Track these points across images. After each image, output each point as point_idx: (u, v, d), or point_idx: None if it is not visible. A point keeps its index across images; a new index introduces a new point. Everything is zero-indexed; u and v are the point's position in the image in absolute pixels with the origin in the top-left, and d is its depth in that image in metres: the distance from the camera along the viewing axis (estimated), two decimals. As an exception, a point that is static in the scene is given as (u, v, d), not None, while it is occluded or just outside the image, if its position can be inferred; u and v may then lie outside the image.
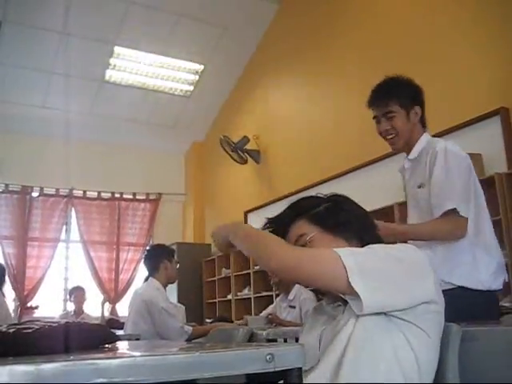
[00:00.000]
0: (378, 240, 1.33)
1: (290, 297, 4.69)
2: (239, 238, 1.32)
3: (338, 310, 1.28)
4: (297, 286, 4.69)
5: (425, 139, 2.22)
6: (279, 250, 1.19)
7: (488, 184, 3.81)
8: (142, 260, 4.12)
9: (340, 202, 1.40)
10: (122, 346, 0.98)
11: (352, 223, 1.33)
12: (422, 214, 2.15)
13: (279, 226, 1.40)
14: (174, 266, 3.98)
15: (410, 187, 2.28)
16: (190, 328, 3.73)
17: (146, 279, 3.98)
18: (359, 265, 1.10)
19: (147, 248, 4.30)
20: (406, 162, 2.28)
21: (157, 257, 3.94)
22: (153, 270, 3.92)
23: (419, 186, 2.16)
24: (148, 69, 7.40)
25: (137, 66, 7.32)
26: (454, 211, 1.98)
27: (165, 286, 3.91)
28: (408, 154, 2.26)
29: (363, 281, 1.08)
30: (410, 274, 1.14)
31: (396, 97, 2.16)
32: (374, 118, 2.22)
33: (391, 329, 1.12)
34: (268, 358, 0.73)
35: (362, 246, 1.27)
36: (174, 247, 7.46)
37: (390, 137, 2.19)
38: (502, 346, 1.24)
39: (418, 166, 2.20)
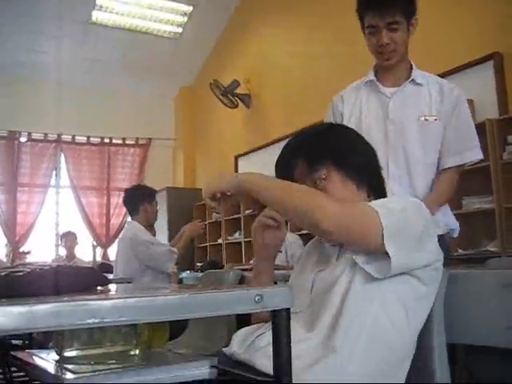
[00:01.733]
0: (384, 191, 1.33)
1: None
2: (262, 186, 1.18)
3: (333, 250, 1.29)
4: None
5: (417, 71, 2.02)
6: (329, 206, 1.10)
7: (479, 130, 3.80)
8: (122, 201, 4.07)
9: (354, 142, 1.34)
10: (114, 288, 1.00)
11: (365, 167, 1.30)
12: (426, 146, 1.93)
13: (291, 156, 1.32)
14: (153, 208, 3.96)
15: (401, 115, 1.96)
16: (174, 249, 3.78)
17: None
18: (394, 225, 1.09)
19: (126, 189, 4.17)
20: (403, 87, 1.98)
21: (136, 198, 3.92)
22: (132, 212, 3.93)
23: (425, 118, 1.92)
24: (135, 10, 7.20)
25: (124, 7, 7.12)
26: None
27: (146, 227, 3.90)
28: (387, 74, 2.01)
29: (395, 242, 1.08)
30: (428, 234, 1.16)
31: (403, 4, 1.88)
32: (369, 27, 1.90)
33: (385, 283, 1.13)
34: (257, 298, 0.75)
35: (369, 195, 1.28)
36: (165, 192, 7.50)
37: (390, 51, 1.91)
38: (485, 289, 1.27)
39: (419, 94, 1.96)
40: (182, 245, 3.85)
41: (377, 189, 1.31)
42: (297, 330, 1.14)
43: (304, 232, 5.00)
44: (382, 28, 1.87)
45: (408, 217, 1.14)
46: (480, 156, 1.98)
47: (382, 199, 1.23)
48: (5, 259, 7.26)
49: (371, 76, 2.05)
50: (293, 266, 1.50)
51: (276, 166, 1.37)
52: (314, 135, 1.34)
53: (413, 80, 1.97)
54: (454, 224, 2.00)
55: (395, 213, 1.12)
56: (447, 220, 1.98)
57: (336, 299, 1.15)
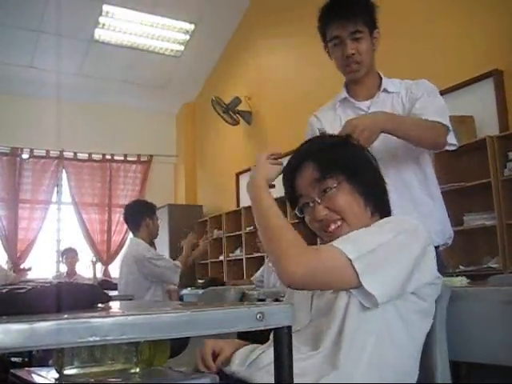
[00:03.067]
0: (388, 210, 1.33)
1: (271, 263, 4.75)
2: (252, 200, 1.28)
3: None
4: None
5: (387, 79, 1.98)
6: (291, 260, 1.09)
7: (479, 146, 3.83)
8: (123, 218, 4.04)
9: (367, 159, 1.34)
10: (115, 305, 0.99)
11: (373, 185, 1.30)
12: (398, 162, 1.88)
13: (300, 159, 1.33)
14: (155, 224, 3.92)
15: None
16: (178, 262, 3.78)
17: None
18: (370, 265, 1.08)
19: (126, 205, 4.11)
20: (376, 97, 1.94)
21: (137, 214, 3.88)
22: (134, 228, 3.90)
23: None
24: (138, 28, 7.26)
25: (126, 25, 7.18)
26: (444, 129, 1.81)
27: (149, 243, 3.89)
28: (358, 88, 1.97)
29: (375, 281, 1.08)
30: (425, 254, 1.16)
31: (364, 14, 1.86)
32: (333, 38, 1.87)
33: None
34: (258, 316, 0.74)
35: (374, 213, 1.28)
36: (166, 209, 7.50)
37: (356, 62, 1.87)
38: (488, 306, 1.26)
39: (393, 101, 1.93)
40: (183, 259, 3.85)
41: (381, 207, 1.31)
42: (299, 348, 1.14)
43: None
44: (346, 38, 1.84)
45: (391, 246, 1.13)
46: (450, 128, 1.82)
47: (377, 224, 1.22)
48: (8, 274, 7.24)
49: (344, 94, 2.01)
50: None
51: (286, 166, 1.37)
52: (331, 144, 1.34)
53: (384, 89, 1.95)
54: (449, 231, 1.93)
55: (373, 250, 1.10)
56: (444, 228, 1.91)
57: (337, 317, 1.14)
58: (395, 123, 1.69)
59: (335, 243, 1.11)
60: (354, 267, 1.07)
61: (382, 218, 1.28)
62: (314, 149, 1.33)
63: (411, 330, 1.14)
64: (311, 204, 1.28)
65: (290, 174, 1.33)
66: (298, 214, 1.34)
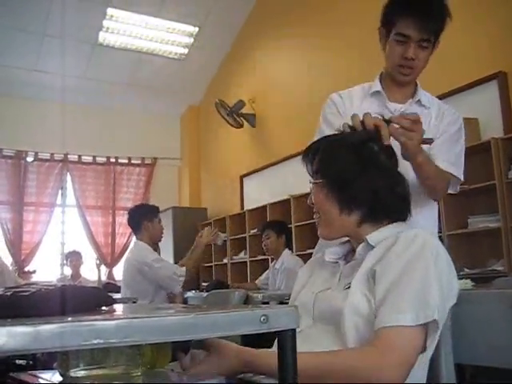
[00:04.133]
0: (389, 216, 1.27)
1: (277, 265, 4.76)
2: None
3: (336, 269, 1.29)
4: (284, 253, 4.75)
5: (421, 90, 1.92)
6: (380, 370, 1.01)
7: (484, 149, 3.82)
8: (127, 221, 4.05)
9: (368, 166, 1.25)
10: (119, 308, 0.99)
11: (365, 200, 1.24)
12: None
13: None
14: (156, 226, 3.91)
15: None
16: (183, 269, 3.73)
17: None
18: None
19: (129, 209, 4.14)
20: (409, 105, 1.86)
21: (137, 218, 3.89)
22: (136, 231, 3.91)
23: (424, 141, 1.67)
24: (142, 31, 7.28)
25: (131, 29, 7.20)
26: (455, 182, 1.80)
27: (152, 246, 3.88)
28: (393, 89, 1.88)
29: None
30: (450, 277, 1.14)
31: (441, 24, 1.74)
32: (400, 35, 1.73)
33: None
34: (262, 319, 0.74)
35: (361, 222, 1.25)
36: (170, 211, 7.50)
37: (412, 68, 1.78)
38: (492, 309, 1.26)
39: (422, 114, 1.72)
40: (191, 261, 3.81)
41: (380, 213, 1.26)
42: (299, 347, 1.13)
43: (303, 252, 5.00)
44: (414, 41, 1.72)
45: (431, 281, 1.08)
46: (462, 179, 1.82)
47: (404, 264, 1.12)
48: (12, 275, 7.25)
49: (378, 87, 1.91)
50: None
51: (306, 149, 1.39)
52: (340, 144, 1.31)
53: (418, 100, 1.87)
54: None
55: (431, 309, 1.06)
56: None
57: (341, 323, 1.13)
58: (426, 161, 1.55)
59: (391, 321, 1.05)
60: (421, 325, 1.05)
61: (378, 224, 1.25)
62: (324, 143, 1.34)
63: None
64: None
65: (310, 157, 1.36)
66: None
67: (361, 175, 1.24)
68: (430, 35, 1.73)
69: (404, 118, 1.42)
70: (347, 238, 1.35)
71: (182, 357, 1.11)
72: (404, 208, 1.28)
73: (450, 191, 1.83)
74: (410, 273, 1.09)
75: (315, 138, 1.90)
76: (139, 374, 0.85)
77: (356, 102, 1.91)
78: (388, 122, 1.38)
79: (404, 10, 1.72)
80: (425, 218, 1.76)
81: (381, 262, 1.14)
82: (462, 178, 1.80)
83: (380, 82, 1.92)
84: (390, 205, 1.26)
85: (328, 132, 1.83)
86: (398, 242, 1.16)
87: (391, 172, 1.29)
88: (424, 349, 1.08)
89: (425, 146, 1.60)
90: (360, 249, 1.25)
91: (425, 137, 1.48)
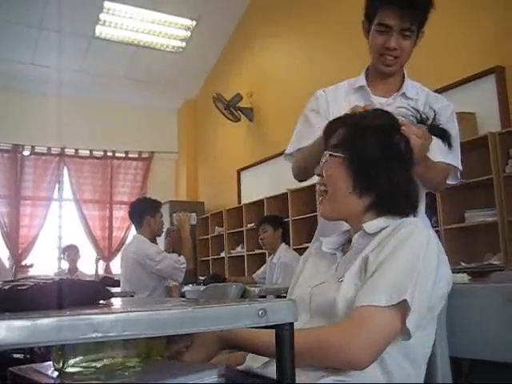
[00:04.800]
0: (395, 208, 1.25)
1: (274, 260, 4.77)
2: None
3: (332, 259, 1.29)
4: (281, 247, 4.76)
5: (408, 81, 1.89)
6: (349, 347, 1.03)
7: (481, 143, 3.82)
8: (126, 215, 4.06)
9: (392, 153, 1.23)
10: (117, 302, 0.99)
11: (380, 188, 1.22)
12: None
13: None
14: (157, 221, 3.93)
15: None
16: (182, 258, 3.75)
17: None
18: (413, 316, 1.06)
19: (131, 203, 4.20)
20: (392, 99, 1.83)
21: (139, 212, 3.91)
22: (137, 225, 3.92)
23: None
24: (139, 25, 7.25)
25: (127, 22, 7.17)
26: (454, 171, 1.79)
27: (152, 240, 3.89)
28: (378, 82, 1.86)
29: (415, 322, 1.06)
30: (435, 276, 1.12)
31: (423, 12, 1.72)
32: (381, 25, 1.72)
33: None
34: (260, 313, 0.74)
35: (369, 209, 1.23)
36: (167, 205, 7.49)
37: (394, 58, 1.76)
38: (489, 303, 1.26)
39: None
40: (186, 250, 3.83)
41: (386, 206, 1.24)
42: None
43: (300, 246, 5.01)
44: (395, 31, 1.71)
45: (421, 274, 1.08)
46: (460, 168, 1.82)
47: (393, 271, 1.10)
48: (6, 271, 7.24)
49: (362, 81, 1.89)
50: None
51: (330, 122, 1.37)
52: (373, 125, 1.26)
53: (404, 94, 1.85)
54: None
55: (417, 296, 1.06)
56: None
57: (339, 315, 1.13)
58: (425, 157, 1.52)
59: (366, 301, 1.06)
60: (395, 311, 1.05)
61: (380, 215, 1.24)
62: (358, 121, 1.29)
63: (417, 335, 1.11)
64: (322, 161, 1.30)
65: (328, 126, 1.34)
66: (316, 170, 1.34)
67: (383, 160, 1.22)
68: (412, 24, 1.70)
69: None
70: (346, 228, 1.34)
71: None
72: (411, 207, 1.26)
73: (450, 182, 1.81)
74: (394, 257, 1.10)
75: (294, 137, 1.93)
76: (135, 363, 0.85)
77: (340, 99, 1.90)
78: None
79: (384, 0, 1.70)
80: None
81: (374, 251, 1.15)
82: (461, 167, 1.78)
83: (366, 76, 1.90)
84: (399, 199, 1.24)
85: (305, 130, 1.89)
86: (394, 232, 1.16)
87: (410, 166, 1.27)
88: (406, 332, 1.06)
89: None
90: (356, 237, 1.25)
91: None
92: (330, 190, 1.25)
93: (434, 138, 1.67)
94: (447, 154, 1.70)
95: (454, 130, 1.75)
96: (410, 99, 1.83)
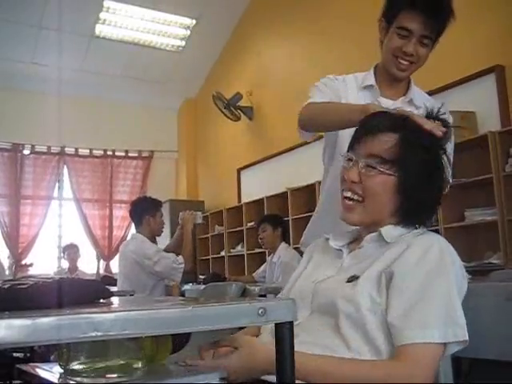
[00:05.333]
0: (417, 218, 1.24)
1: (274, 259, 4.77)
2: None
3: (337, 254, 1.28)
4: (281, 247, 4.76)
5: (414, 87, 1.88)
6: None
7: (481, 142, 3.82)
8: (127, 214, 4.05)
9: (440, 177, 1.22)
10: (117, 301, 1.00)
11: (421, 208, 1.21)
12: None
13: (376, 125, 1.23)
14: (157, 220, 3.90)
15: None
16: (180, 257, 3.73)
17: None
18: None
19: (131, 201, 4.19)
20: (397, 102, 1.80)
21: (139, 211, 3.89)
22: (137, 225, 3.91)
23: None
24: (139, 23, 7.25)
25: (127, 21, 7.17)
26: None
27: (151, 239, 3.87)
28: (386, 83, 1.83)
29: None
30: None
31: (444, 22, 1.68)
32: (402, 29, 1.68)
33: None
34: (260, 311, 0.74)
35: (394, 215, 1.22)
36: (167, 204, 7.49)
37: (409, 63, 1.72)
38: (489, 302, 1.26)
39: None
40: (186, 250, 3.81)
41: (415, 221, 1.24)
42: (297, 335, 1.13)
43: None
44: (415, 36, 1.68)
45: (455, 295, 1.10)
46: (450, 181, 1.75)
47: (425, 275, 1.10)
48: (7, 271, 7.25)
49: (371, 80, 1.85)
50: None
51: (367, 118, 1.30)
52: (423, 140, 1.20)
53: (411, 100, 1.83)
54: None
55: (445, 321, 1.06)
56: None
57: (339, 317, 1.12)
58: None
59: (418, 337, 1.03)
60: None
61: (400, 222, 1.23)
62: (409, 131, 1.20)
63: None
64: (353, 162, 1.23)
65: (368, 128, 1.24)
66: (343, 162, 1.27)
67: (431, 183, 1.21)
68: (433, 32, 1.68)
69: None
70: (352, 228, 1.32)
71: (205, 351, 1.11)
72: (430, 218, 1.27)
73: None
74: (433, 285, 1.08)
75: (314, 96, 1.81)
76: (140, 366, 0.85)
77: (352, 92, 1.85)
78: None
79: (409, 4, 1.66)
80: None
81: (398, 265, 1.12)
82: (451, 180, 1.70)
83: (374, 75, 1.86)
84: (427, 212, 1.25)
85: (320, 94, 1.80)
86: (414, 245, 1.14)
87: (443, 182, 1.26)
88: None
89: None
90: (368, 238, 1.23)
91: None
92: (370, 202, 1.21)
93: None
94: None
95: (449, 145, 1.71)
96: (414, 106, 1.79)
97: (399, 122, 1.22)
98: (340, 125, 1.61)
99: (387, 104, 1.74)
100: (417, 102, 1.81)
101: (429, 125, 1.22)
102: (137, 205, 3.98)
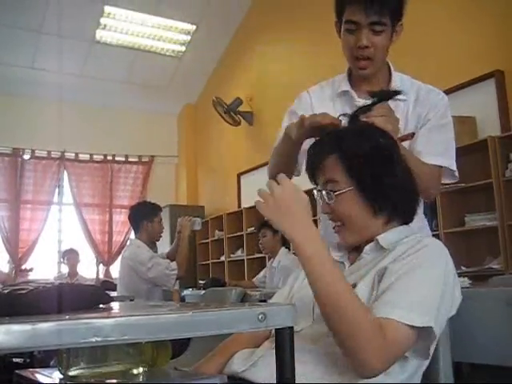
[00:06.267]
0: (412, 215, 1.26)
1: (274, 264, 4.77)
2: (303, 258, 1.06)
3: (341, 267, 1.27)
4: (281, 251, 4.76)
5: (397, 75, 1.74)
6: (370, 356, 0.99)
7: (481, 147, 3.83)
8: (126, 218, 4.04)
9: (394, 161, 1.22)
10: (116, 306, 0.99)
11: (394, 198, 1.20)
12: None
13: (315, 156, 1.25)
14: (155, 225, 3.87)
15: None
16: (174, 265, 3.70)
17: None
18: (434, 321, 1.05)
19: (130, 207, 4.16)
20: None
21: (137, 217, 3.87)
22: (135, 230, 3.90)
23: (400, 138, 1.51)
24: (139, 29, 7.27)
25: (128, 26, 7.19)
26: (450, 171, 1.67)
27: (149, 245, 3.85)
28: (361, 83, 1.73)
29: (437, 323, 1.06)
30: (453, 278, 1.14)
31: (393, 3, 1.55)
32: (349, 22, 1.58)
33: None
34: (260, 317, 0.74)
35: (389, 221, 1.22)
36: (167, 209, 7.49)
37: (368, 59, 1.61)
38: (489, 307, 1.26)
39: (396, 110, 1.54)
40: (181, 256, 3.78)
41: (402, 212, 1.25)
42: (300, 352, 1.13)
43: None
44: (364, 27, 1.55)
45: (438, 291, 1.08)
46: (456, 172, 1.69)
47: (417, 266, 1.10)
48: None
49: (345, 86, 1.76)
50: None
51: (311, 148, 1.31)
52: (358, 147, 1.22)
53: None
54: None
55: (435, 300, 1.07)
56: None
57: None
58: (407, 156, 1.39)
59: (395, 315, 1.02)
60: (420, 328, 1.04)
61: (399, 223, 1.24)
62: (342, 145, 1.22)
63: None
64: (319, 195, 1.26)
65: (313, 160, 1.27)
66: (316, 198, 1.29)
67: (387, 171, 1.21)
68: (381, 17, 1.54)
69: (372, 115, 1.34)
70: None
71: None
72: (414, 209, 1.27)
73: (447, 181, 1.71)
74: (422, 276, 1.08)
75: (277, 139, 1.83)
76: (140, 371, 0.85)
77: (328, 103, 1.77)
78: (356, 116, 1.34)
79: None
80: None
81: (393, 262, 1.13)
82: (454, 167, 1.66)
83: (349, 77, 1.78)
84: (406, 203, 1.25)
85: (282, 131, 1.75)
86: (415, 246, 1.15)
87: (407, 169, 1.26)
88: (428, 356, 1.08)
89: (405, 142, 1.54)
90: (368, 248, 1.24)
91: (404, 134, 1.42)
92: (349, 222, 1.22)
93: (423, 138, 1.63)
94: (437, 156, 1.62)
95: (445, 130, 1.68)
96: (398, 100, 1.62)
97: (333, 142, 1.24)
98: (290, 151, 1.60)
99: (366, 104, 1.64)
100: (400, 96, 1.61)
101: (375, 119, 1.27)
102: (135, 210, 3.96)
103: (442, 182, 1.69)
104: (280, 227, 1.06)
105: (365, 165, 1.19)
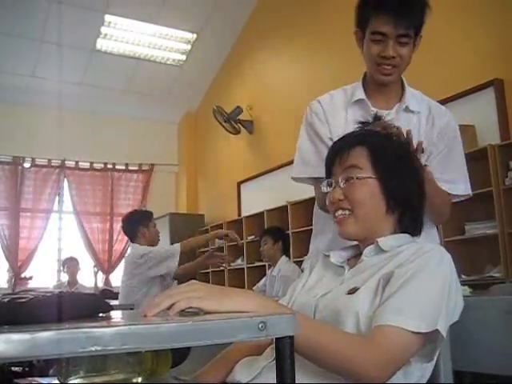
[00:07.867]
0: (417, 226, 1.28)
1: (274, 272, 4.76)
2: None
3: (339, 270, 1.27)
4: (281, 260, 4.75)
5: (408, 89, 1.80)
6: (366, 364, 0.99)
7: (480, 155, 3.83)
8: (122, 229, 4.06)
9: (417, 171, 1.28)
10: (116, 315, 0.99)
11: (406, 203, 1.24)
12: None
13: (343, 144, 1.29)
14: (151, 230, 3.91)
15: None
16: (176, 246, 3.70)
17: None
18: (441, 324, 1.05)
19: (122, 217, 4.16)
20: (392, 111, 1.74)
21: (132, 225, 3.89)
22: (132, 238, 3.92)
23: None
24: (140, 38, 7.30)
25: (128, 35, 7.22)
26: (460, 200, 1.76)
27: None
28: (376, 93, 1.78)
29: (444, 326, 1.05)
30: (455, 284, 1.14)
31: (419, 17, 1.62)
32: (376, 33, 1.62)
33: None
34: (260, 326, 0.74)
35: (396, 226, 1.24)
36: (167, 217, 7.50)
37: (393, 66, 1.66)
38: (489, 315, 1.26)
39: (409, 123, 1.68)
40: (190, 242, 3.82)
41: (406, 221, 1.26)
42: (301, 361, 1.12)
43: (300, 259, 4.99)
44: (391, 38, 1.60)
45: (443, 295, 1.08)
46: (469, 192, 1.83)
47: (417, 291, 1.08)
48: (6, 285, 7.24)
49: (361, 94, 1.78)
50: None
51: (336, 142, 1.33)
52: (388, 145, 1.29)
53: (406, 107, 1.75)
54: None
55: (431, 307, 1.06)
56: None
57: (343, 327, 1.11)
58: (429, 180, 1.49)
59: (398, 322, 1.01)
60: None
61: (396, 231, 1.25)
62: (373, 140, 1.28)
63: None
64: (334, 184, 1.27)
65: (338, 148, 1.29)
66: (324, 188, 1.31)
67: (410, 176, 1.26)
68: (408, 30, 1.60)
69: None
70: (355, 243, 1.33)
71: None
72: (417, 224, 1.29)
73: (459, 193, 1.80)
74: (426, 281, 1.08)
75: (297, 157, 1.87)
76: (139, 380, 0.85)
77: (340, 112, 1.80)
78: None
79: (377, 7, 1.61)
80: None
81: (399, 267, 1.13)
82: (470, 191, 1.78)
83: (363, 87, 1.81)
84: (413, 214, 1.27)
85: (309, 150, 1.83)
86: (419, 251, 1.15)
87: (423, 186, 1.30)
88: (431, 359, 1.08)
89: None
90: (367, 251, 1.24)
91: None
92: (359, 209, 1.23)
93: (433, 163, 1.70)
94: (446, 183, 1.72)
95: (455, 155, 1.79)
96: (411, 112, 1.75)
97: (364, 136, 1.30)
98: None
99: (381, 114, 1.62)
100: (413, 108, 1.76)
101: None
102: (129, 218, 3.98)
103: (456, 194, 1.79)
104: (227, 304, 0.87)
105: (391, 162, 1.24)
